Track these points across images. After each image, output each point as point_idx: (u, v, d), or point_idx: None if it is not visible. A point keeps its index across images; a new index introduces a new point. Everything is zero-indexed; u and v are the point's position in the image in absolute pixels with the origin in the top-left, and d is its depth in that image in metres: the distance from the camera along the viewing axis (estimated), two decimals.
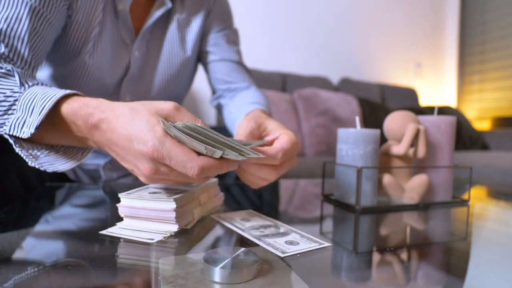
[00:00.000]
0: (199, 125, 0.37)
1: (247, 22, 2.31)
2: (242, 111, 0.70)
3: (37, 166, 0.45)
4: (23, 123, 0.44)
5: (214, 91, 0.86)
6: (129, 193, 0.41)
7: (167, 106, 0.39)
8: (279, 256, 0.33)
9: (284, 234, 0.40)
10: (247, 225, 0.43)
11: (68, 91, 0.44)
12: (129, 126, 0.37)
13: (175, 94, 0.82)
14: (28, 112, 0.44)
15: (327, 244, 0.37)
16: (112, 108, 0.40)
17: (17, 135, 0.44)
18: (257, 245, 0.36)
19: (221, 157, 0.37)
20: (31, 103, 0.44)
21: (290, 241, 0.37)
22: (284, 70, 2.37)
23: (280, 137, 0.47)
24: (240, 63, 0.83)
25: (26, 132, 0.43)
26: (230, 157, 0.37)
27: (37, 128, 0.42)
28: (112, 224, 0.41)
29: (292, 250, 0.35)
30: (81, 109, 0.41)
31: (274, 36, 2.43)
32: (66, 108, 0.42)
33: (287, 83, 2.27)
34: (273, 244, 0.36)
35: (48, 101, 0.42)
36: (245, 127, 0.48)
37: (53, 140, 0.47)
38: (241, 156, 0.37)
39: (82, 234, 0.41)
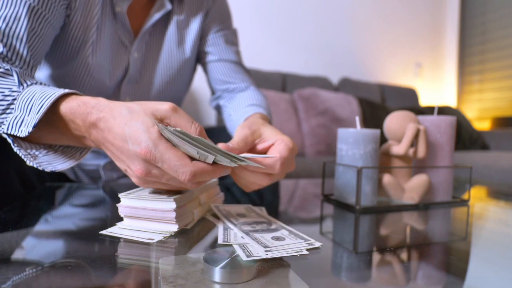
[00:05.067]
0: (193, 135, 0.37)
1: (247, 22, 2.31)
2: (241, 114, 0.70)
3: (35, 166, 0.45)
4: (21, 122, 0.44)
5: (213, 92, 0.86)
6: (129, 193, 0.41)
7: (164, 107, 0.39)
8: (278, 256, 0.33)
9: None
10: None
11: (66, 90, 0.44)
12: (125, 126, 0.37)
13: (175, 95, 0.81)
14: (26, 111, 0.44)
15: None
16: (110, 108, 0.40)
17: (15, 134, 0.44)
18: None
19: (213, 163, 0.37)
20: (29, 102, 0.43)
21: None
22: (284, 70, 2.37)
23: (277, 143, 0.46)
24: (239, 63, 0.83)
25: (24, 131, 0.43)
26: (222, 163, 0.36)
27: (34, 127, 0.42)
28: (112, 224, 0.41)
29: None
30: (80, 107, 0.41)
31: (274, 36, 2.43)
32: (65, 107, 0.42)
33: (287, 83, 2.27)
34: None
35: (46, 100, 0.42)
36: (239, 134, 0.48)
37: (51, 139, 0.47)
38: (233, 162, 0.36)
39: (82, 234, 0.41)
